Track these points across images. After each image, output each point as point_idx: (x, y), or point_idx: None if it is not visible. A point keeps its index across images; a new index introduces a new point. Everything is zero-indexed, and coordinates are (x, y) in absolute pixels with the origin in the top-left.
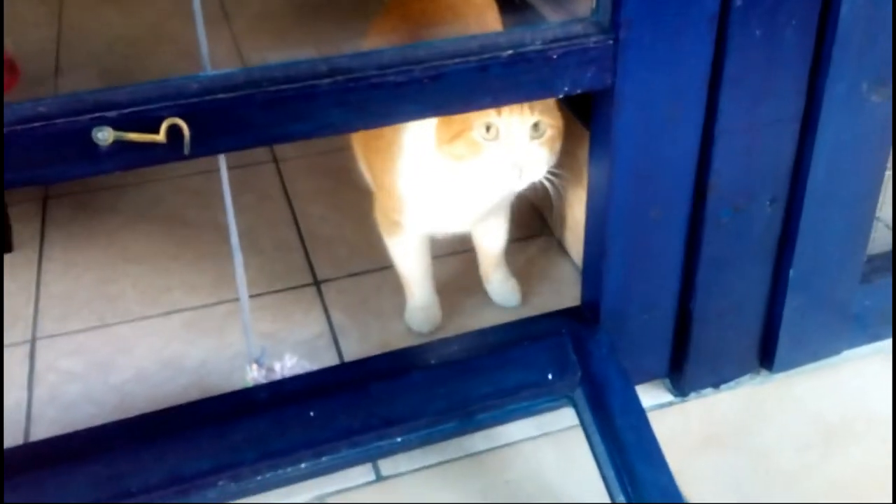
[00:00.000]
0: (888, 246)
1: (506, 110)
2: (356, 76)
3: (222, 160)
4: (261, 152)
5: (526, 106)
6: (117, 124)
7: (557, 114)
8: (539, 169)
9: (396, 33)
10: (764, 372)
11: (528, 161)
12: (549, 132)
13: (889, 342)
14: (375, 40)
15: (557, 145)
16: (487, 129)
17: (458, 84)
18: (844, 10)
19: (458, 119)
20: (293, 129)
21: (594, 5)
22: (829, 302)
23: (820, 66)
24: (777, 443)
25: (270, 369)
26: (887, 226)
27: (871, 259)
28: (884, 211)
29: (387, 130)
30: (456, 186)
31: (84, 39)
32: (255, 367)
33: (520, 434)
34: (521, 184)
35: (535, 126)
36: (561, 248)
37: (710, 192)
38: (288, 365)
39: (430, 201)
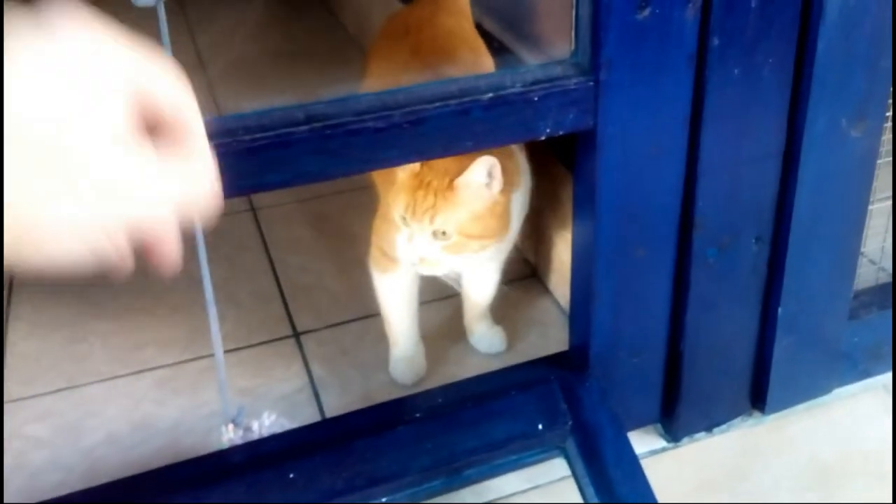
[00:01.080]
0: (874, 281)
1: (417, 214)
2: (333, 123)
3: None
4: (237, 200)
5: (428, 217)
6: None
7: (490, 224)
8: (439, 268)
9: (394, 62)
10: (756, 413)
11: (428, 260)
12: (459, 240)
13: (880, 379)
14: (375, 68)
15: (475, 246)
16: (402, 219)
17: (438, 128)
18: (821, 47)
19: (394, 192)
20: (269, 179)
21: (573, 47)
22: (819, 340)
23: (799, 103)
24: (774, 486)
25: (248, 429)
26: (871, 261)
27: (858, 295)
28: (867, 246)
29: None
30: None
31: None
32: (231, 427)
33: (509, 488)
34: (423, 272)
35: (440, 233)
36: (546, 290)
37: (695, 231)
38: (266, 423)
39: None
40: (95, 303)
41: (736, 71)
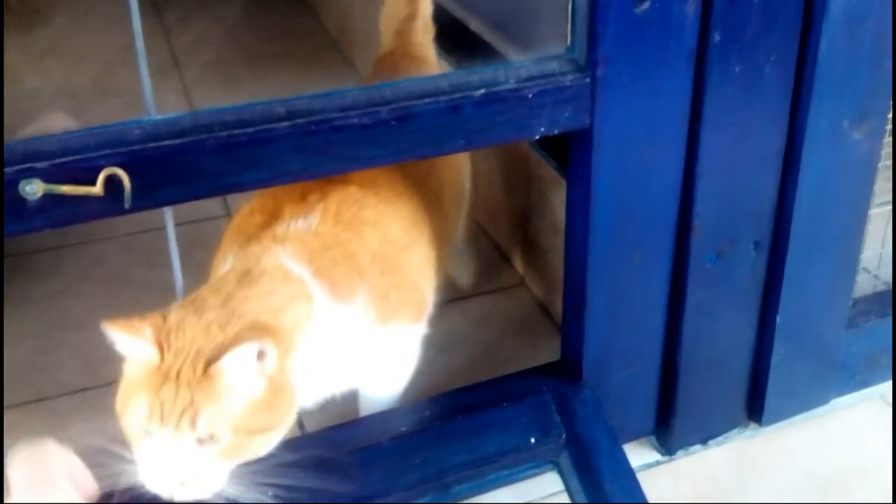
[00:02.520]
0: (871, 290)
1: (167, 419)
2: (317, 119)
3: (168, 215)
4: (213, 205)
5: (187, 420)
6: (48, 176)
7: (276, 407)
8: (211, 486)
9: None
10: (752, 425)
11: (194, 480)
12: (237, 440)
13: (877, 389)
14: None
15: (260, 443)
16: (144, 431)
17: (428, 126)
18: (823, 45)
19: (122, 395)
20: (247, 178)
21: (569, 42)
22: (817, 349)
23: (800, 103)
24: (771, 501)
25: None
26: (865, 269)
27: (855, 303)
28: (864, 254)
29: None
30: None
31: (23, 92)
32: None
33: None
34: (185, 498)
35: (207, 438)
36: (533, 298)
37: (693, 235)
38: None
39: None
40: (64, 312)
41: (737, 68)
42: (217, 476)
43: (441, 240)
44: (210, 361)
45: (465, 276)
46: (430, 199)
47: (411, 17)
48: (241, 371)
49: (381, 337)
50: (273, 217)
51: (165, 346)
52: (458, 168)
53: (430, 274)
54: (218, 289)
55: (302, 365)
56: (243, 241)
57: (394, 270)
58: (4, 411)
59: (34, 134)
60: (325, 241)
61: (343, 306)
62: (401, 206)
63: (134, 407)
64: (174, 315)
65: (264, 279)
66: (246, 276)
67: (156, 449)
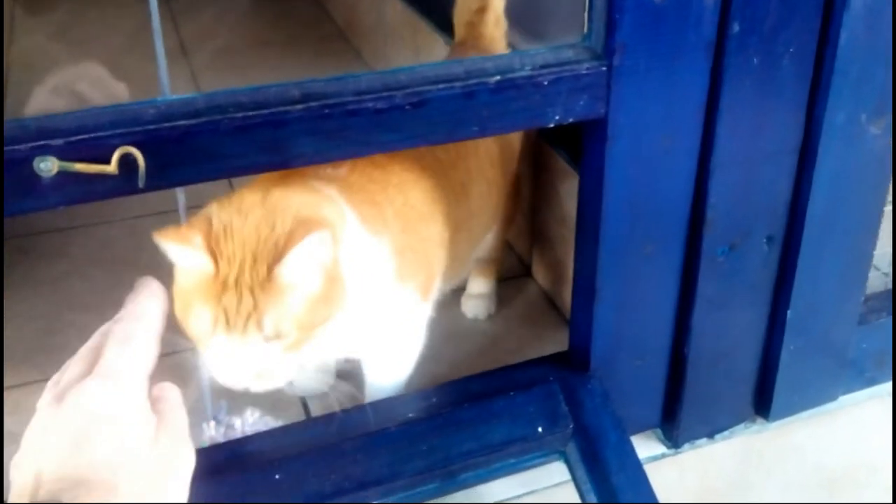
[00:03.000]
0: (882, 286)
1: (234, 324)
2: (331, 102)
3: (181, 197)
4: (223, 189)
5: (253, 323)
6: (63, 154)
7: (332, 298)
8: (283, 378)
9: None
10: (760, 420)
11: (267, 372)
12: (301, 335)
13: (885, 386)
14: None
15: (320, 332)
16: (207, 334)
17: (442, 111)
18: (843, 38)
19: (180, 304)
20: (261, 160)
21: (585, 29)
22: (827, 345)
23: (818, 96)
24: (777, 496)
25: (230, 426)
26: (876, 266)
27: (867, 300)
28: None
29: None
30: None
31: (33, 76)
32: (212, 424)
33: (504, 493)
34: (260, 388)
35: (273, 336)
36: (540, 289)
37: (705, 228)
38: (249, 421)
39: None
40: (71, 294)
41: (755, 60)
42: (287, 368)
43: (460, 230)
44: (272, 265)
45: (473, 308)
46: (455, 187)
47: (482, 9)
48: (301, 268)
49: (394, 297)
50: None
51: (218, 253)
52: (501, 169)
53: (443, 255)
54: (255, 189)
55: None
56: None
57: (413, 232)
58: (13, 390)
59: (60, 82)
60: (354, 185)
61: (372, 238)
62: (423, 181)
63: (196, 316)
64: (217, 219)
65: (299, 188)
66: (282, 181)
67: (224, 349)
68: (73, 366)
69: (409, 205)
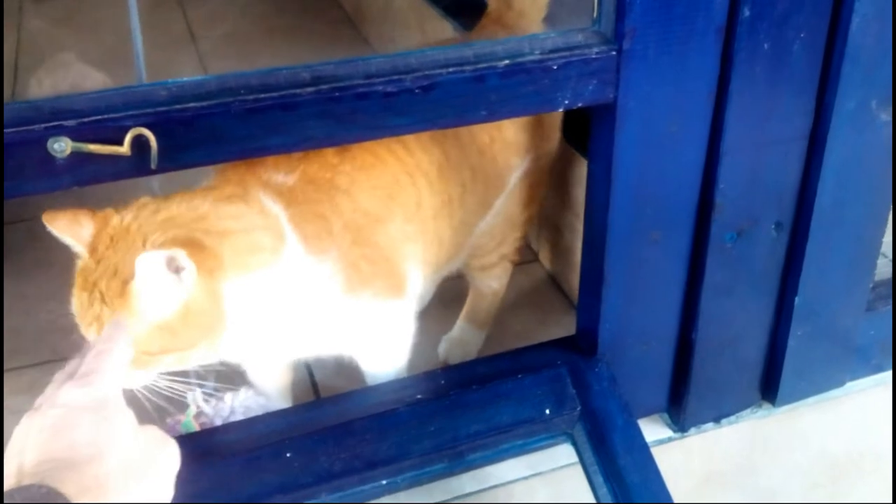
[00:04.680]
0: (888, 274)
1: (84, 322)
2: (341, 85)
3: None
4: None
5: (94, 330)
6: (76, 135)
7: (185, 333)
8: (131, 381)
9: None
10: (766, 405)
11: None
12: (140, 357)
13: (891, 373)
14: None
15: (170, 360)
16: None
17: (451, 95)
18: (854, 23)
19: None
20: (271, 143)
21: (595, 14)
22: (834, 331)
23: (829, 82)
24: (782, 481)
25: (220, 399)
26: (884, 254)
27: (875, 287)
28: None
29: None
30: None
31: (36, 60)
32: (199, 392)
33: (511, 474)
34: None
35: None
36: (548, 275)
37: (714, 214)
38: (241, 398)
39: None
40: None
41: (766, 45)
42: (133, 378)
43: (440, 215)
44: (126, 279)
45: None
46: (428, 171)
47: None
48: (150, 293)
49: (354, 307)
50: (258, 163)
51: (93, 250)
52: (500, 149)
53: (416, 248)
54: (176, 199)
55: (265, 312)
56: (233, 169)
57: (365, 242)
58: (28, 370)
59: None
60: (300, 198)
61: (313, 259)
62: (377, 178)
63: (72, 297)
64: (118, 217)
65: (238, 202)
66: (220, 195)
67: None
68: (50, 386)
69: (361, 210)
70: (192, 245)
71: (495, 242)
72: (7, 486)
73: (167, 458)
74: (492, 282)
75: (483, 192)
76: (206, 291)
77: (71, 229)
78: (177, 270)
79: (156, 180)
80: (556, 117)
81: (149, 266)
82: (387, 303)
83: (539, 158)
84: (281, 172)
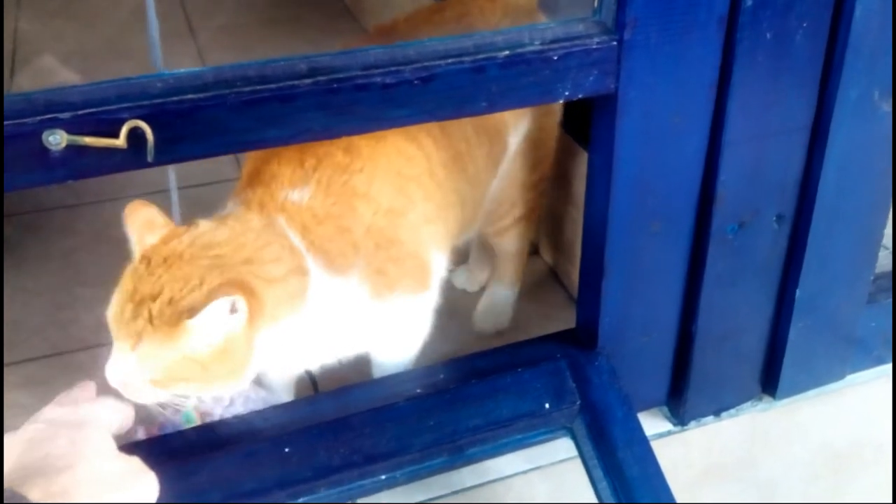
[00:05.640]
0: (889, 266)
1: (119, 329)
2: (339, 77)
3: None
4: (228, 168)
5: (130, 343)
6: (72, 127)
7: (213, 370)
8: (146, 398)
9: None
10: (766, 398)
11: (130, 387)
12: (166, 380)
13: (892, 366)
14: None
15: (195, 388)
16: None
17: (451, 86)
18: (858, 13)
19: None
20: (269, 135)
21: (596, 4)
22: (835, 324)
23: (831, 73)
24: (783, 474)
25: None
26: (885, 246)
27: (876, 279)
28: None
29: None
30: None
31: (33, 52)
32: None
33: (510, 468)
34: (129, 397)
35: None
36: (547, 267)
37: (715, 206)
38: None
39: None
40: (80, 269)
41: (768, 35)
42: (148, 394)
43: (455, 169)
44: (184, 312)
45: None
46: (434, 128)
47: None
48: (206, 329)
49: (381, 310)
50: (273, 178)
51: (146, 260)
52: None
53: (438, 228)
54: (231, 234)
55: (297, 333)
56: (252, 188)
57: (390, 243)
58: (24, 364)
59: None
60: (318, 215)
61: (339, 279)
62: (387, 152)
63: (114, 296)
64: (178, 241)
65: (272, 241)
66: (254, 228)
67: (115, 344)
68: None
69: (382, 211)
70: (249, 292)
71: (508, 204)
72: None
73: (143, 488)
74: (512, 243)
75: (488, 146)
76: (245, 335)
77: (142, 229)
78: (231, 312)
79: (171, 168)
80: None
81: (216, 312)
82: (413, 298)
83: (538, 120)
84: (296, 189)
